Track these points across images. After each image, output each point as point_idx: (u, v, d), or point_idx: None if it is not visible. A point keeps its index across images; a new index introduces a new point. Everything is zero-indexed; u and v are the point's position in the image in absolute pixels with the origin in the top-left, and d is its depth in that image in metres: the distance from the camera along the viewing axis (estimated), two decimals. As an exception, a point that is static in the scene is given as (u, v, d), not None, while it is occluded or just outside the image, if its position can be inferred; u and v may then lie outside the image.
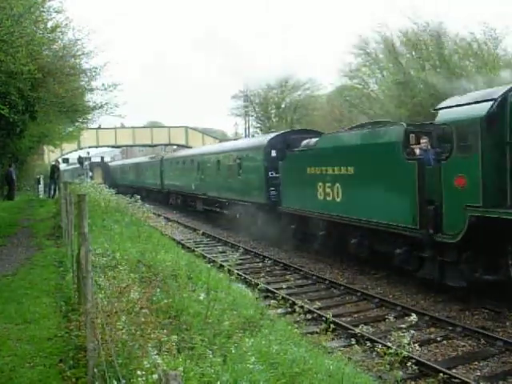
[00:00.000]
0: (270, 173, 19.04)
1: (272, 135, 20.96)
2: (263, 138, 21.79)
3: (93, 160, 56.55)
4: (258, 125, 54.68)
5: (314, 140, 16.61)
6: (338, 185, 14.25)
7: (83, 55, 21.05)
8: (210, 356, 4.62)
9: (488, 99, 9.67)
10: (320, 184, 15.12)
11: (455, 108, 10.45)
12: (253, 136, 46.46)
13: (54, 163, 29.61)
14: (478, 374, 7.72)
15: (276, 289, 11.65)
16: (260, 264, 15.89)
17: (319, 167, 15.21)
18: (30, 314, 6.79)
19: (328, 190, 14.71)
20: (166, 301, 6.11)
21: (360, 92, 38.76)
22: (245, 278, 13.20)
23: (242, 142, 25.05)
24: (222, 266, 11.40)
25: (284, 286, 10.08)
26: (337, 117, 35.90)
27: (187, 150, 41.97)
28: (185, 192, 31.56)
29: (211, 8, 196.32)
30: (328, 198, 14.72)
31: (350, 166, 13.77)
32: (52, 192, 27.90)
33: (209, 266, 10.53)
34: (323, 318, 9.52)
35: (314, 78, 52.01)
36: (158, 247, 10.55)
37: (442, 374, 6.87)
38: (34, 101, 19.86)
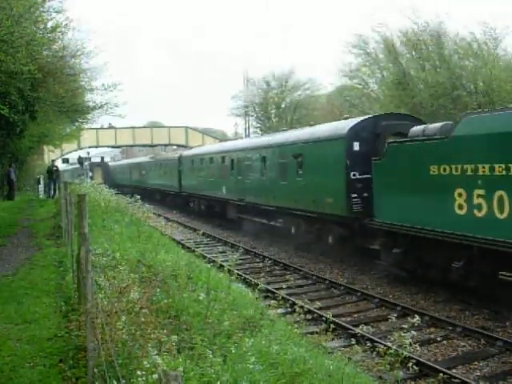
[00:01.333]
0: (351, 173, 14.16)
1: (354, 121, 15.31)
2: (340, 126, 15.78)
3: (93, 160, 56.57)
4: (258, 125, 54.69)
5: (437, 126, 11.85)
6: (500, 193, 9.42)
7: (83, 55, 21.09)
8: (210, 356, 4.61)
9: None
10: (460, 191, 10.26)
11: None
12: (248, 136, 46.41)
13: (50, 164, 29.37)
14: (478, 374, 7.72)
15: (276, 289, 11.65)
16: (260, 264, 15.89)
17: (458, 166, 10.30)
18: (29, 314, 6.79)
19: (479, 201, 9.84)
20: (166, 301, 6.11)
21: (360, 92, 38.75)
22: (245, 278, 13.20)
23: (304, 132, 18.23)
24: (221, 266, 11.41)
25: (284, 286, 10.08)
26: (337, 117, 35.83)
27: (214, 144, 36.27)
28: (211, 196, 26.49)
29: (212, 8, 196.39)
30: (479, 213, 9.82)
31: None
32: (52, 192, 27.88)
33: (209, 266, 10.54)
34: (323, 318, 9.53)
35: (314, 78, 52.14)
36: (158, 247, 10.55)
37: (441, 374, 6.86)
38: (33, 101, 19.87)
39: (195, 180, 29.59)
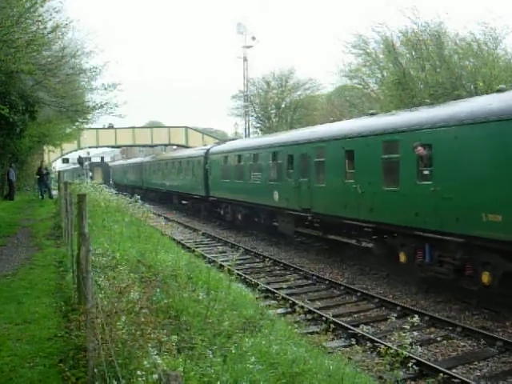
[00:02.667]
0: None
1: None
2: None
3: (93, 160, 56.57)
4: (258, 125, 54.69)
5: None
6: None
7: (83, 55, 21.12)
8: (210, 356, 4.62)
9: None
10: None
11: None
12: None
13: (39, 166, 28.91)
14: (478, 374, 7.72)
15: (276, 289, 11.65)
16: (260, 264, 15.89)
17: None
18: (29, 314, 6.78)
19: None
20: (166, 301, 6.11)
21: (360, 92, 38.73)
22: (245, 278, 13.20)
23: (434, 113, 11.87)
24: (222, 266, 11.42)
25: (284, 286, 10.09)
26: (337, 117, 35.86)
27: (257, 137, 29.94)
28: (252, 203, 20.92)
29: (210, 7, 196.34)
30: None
31: None
32: (42, 194, 27.57)
33: (209, 266, 10.54)
34: (323, 318, 9.53)
35: (314, 78, 52.07)
36: (158, 247, 10.54)
37: (441, 374, 6.87)
38: (33, 101, 19.90)
39: (229, 182, 23.41)
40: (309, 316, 9.98)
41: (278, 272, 14.97)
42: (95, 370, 4.09)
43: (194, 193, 29.11)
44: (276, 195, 18.42)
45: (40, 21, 14.26)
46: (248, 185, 21.40)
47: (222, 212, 25.43)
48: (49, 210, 20.21)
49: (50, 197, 27.33)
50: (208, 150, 28.06)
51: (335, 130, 15.85)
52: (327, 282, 13.29)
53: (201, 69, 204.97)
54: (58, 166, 58.29)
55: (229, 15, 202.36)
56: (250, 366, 4.55)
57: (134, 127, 56.86)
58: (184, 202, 33.40)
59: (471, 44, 27.25)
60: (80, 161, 42.90)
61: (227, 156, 24.56)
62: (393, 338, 8.10)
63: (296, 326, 7.72)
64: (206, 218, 28.35)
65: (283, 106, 53.16)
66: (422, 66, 28.55)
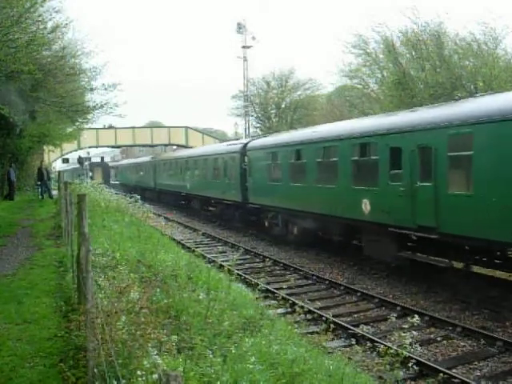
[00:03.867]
0: None
1: None
2: None
3: (93, 160, 56.54)
4: (258, 125, 54.69)
5: None
6: None
7: (83, 55, 21.14)
8: (210, 356, 4.62)
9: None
10: None
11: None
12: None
13: (40, 166, 28.89)
14: (478, 374, 7.72)
15: (276, 289, 11.65)
16: (260, 264, 15.89)
17: None
18: (29, 314, 6.78)
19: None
20: (166, 301, 6.11)
21: (360, 92, 38.72)
22: (245, 278, 13.20)
23: None
24: (222, 266, 11.42)
25: (284, 286, 10.08)
26: (337, 117, 35.86)
27: (324, 125, 20.31)
28: (319, 214, 15.97)
29: (210, 7, 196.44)
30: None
31: None
32: (42, 194, 27.57)
33: (209, 266, 10.54)
34: (323, 318, 9.53)
35: (313, 78, 52.09)
36: (158, 247, 10.54)
37: (441, 374, 6.87)
38: (33, 101, 19.91)
39: (281, 185, 18.50)
40: (309, 316, 9.98)
41: (278, 272, 14.97)
42: (95, 370, 4.09)
43: (226, 197, 23.99)
44: (366, 205, 13.46)
45: (40, 21, 14.27)
46: (313, 190, 16.18)
47: (265, 223, 20.17)
48: (49, 210, 20.20)
49: (50, 197, 27.32)
50: (246, 144, 22.59)
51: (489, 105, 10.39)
52: (327, 282, 13.29)
53: (201, 69, 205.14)
54: (58, 166, 58.29)
55: (229, 15, 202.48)
56: (250, 366, 4.55)
57: (134, 127, 56.88)
58: (210, 208, 28.07)
59: (471, 44, 27.25)
60: (80, 161, 42.86)
61: (277, 152, 19.02)
62: (393, 338, 8.11)
63: (296, 325, 7.71)
64: (241, 229, 23.26)
65: (283, 106, 53.17)
66: (422, 66, 28.55)
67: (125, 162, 59.66)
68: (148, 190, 43.38)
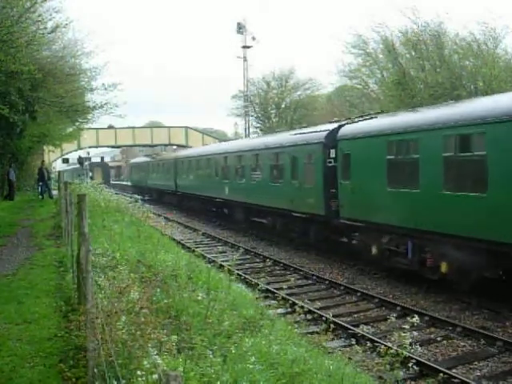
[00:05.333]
0: None
1: None
2: None
3: (93, 160, 56.52)
4: (258, 125, 54.69)
5: None
6: None
7: (83, 55, 21.16)
8: (210, 356, 4.61)
9: None
10: None
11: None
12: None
13: (40, 166, 28.87)
14: (478, 374, 7.72)
15: (276, 289, 11.65)
16: (260, 264, 15.89)
17: None
18: (29, 314, 6.78)
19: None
20: (166, 301, 6.11)
21: (360, 92, 38.75)
22: (245, 278, 13.20)
23: None
24: (222, 266, 11.42)
25: (284, 286, 10.08)
26: (337, 117, 35.88)
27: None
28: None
29: (210, 7, 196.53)
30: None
31: None
32: (42, 194, 27.58)
33: (209, 266, 10.54)
34: (323, 318, 9.53)
35: (314, 78, 52.09)
36: (158, 247, 10.54)
37: (441, 374, 6.87)
38: (33, 101, 19.93)
39: (424, 194, 11.58)
40: (309, 316, 9.98)
41: (278, 272, 14.97)
42: (95, 370, 4.09)
43: (296, 208, 17.24)
44: None
45: (40, 21, 14.28)
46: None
47: (372, 249, 13.51)
48: (49, 210, 20.21)
49: (50, 197, 27.32)
50: (335, 130, 15.40)
51: None
52: (327, 282, 13.29)
53: (201, 69, 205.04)
54: (58, 166, 58.30)
55: (229, 15, 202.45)
56: (250, 366, 4.54)
57: (134, 127, 56.89)
58: (261, 219, 21.54)
59: (471, 44, 27.27)
60: (80, 161, 42.86)
61: (420, 139, 11.68)
62: (393, 338, 8.09)
63: (296, 325, 7.71)
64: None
65: (283, 106, 53.19)
66: (422, 66, 28.58)
67: (138, 160, 51.93)
68: (167, 194, 37.37)
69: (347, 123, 15.77)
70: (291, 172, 17.94)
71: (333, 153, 15.37)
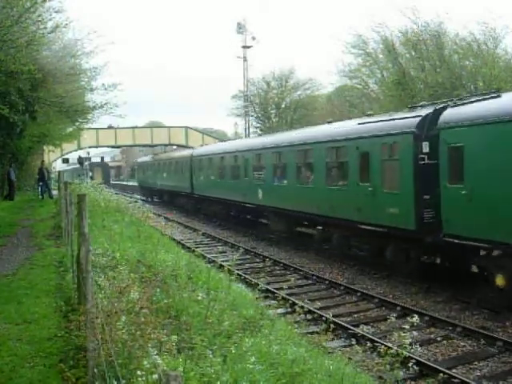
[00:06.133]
0: None
1: None
2: None
3: (93, 160, 56.54)
4: (258, 125, 54.69)
5: None
6: None
7: (83, 55, 21.16)
8: (210, 356, 4.61)
9: None
10: None
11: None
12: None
13: (40, 166, 28.86)
14: (478, 374, 7.72)
15: (276, 289, 11.65)
16: (260, 264, 15.89)
17: None
18: (29, 314, 6.78)
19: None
20: (166, 301, 6.11)
21: (360, 92, 38.74)
22: (245, 278, 13.20)
23: None
24: (222, 266, 11.42)
25: (284, 286, 10.09)
26: (337, 117, 35.90)
27: None
28: None
29: (211, 7, 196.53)
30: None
31: None
32: (42, 194, 27.59)
33: (209, 266, 10.54)
34: (323, 318, 9.53)
35: (314, 78, 52.12)
36: (158, 247, 10.54)
37: (441, 374, 6.87)
38: (33, 101, 19.94)
39: None
40: (309, 316, 9.98)
41: (278, 272, 14.97)
42: (95, 370, 4.09)
43: (364, 220, 13.53)
44: None
45: (40, 21, 14.27)
46: None
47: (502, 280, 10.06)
48: (49, 210, 20.20)
49: (50, 197, 27.33)
50: (433, 115, 11.82)
51: None
52: (327, 282, 13.29)
53: (201, 69, 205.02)
54: (58, 166, 58.31)
55: (229, 15, 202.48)
56: (250, 366, 4.54)
57: (133, 127, 56.89)
58: (309, 231, 18.56)
59: (471, 44, 27.26)
60: (80, 161, 42.88)
61: None
62: (393, 338, 8.09)
63: (296, 325, 7.72)
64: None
65: (283, 106, 53.19)
66: (422, 66, 28.57)
67: (147, 158, 47.72)
68: (180, 196, 33.23)
69: (449, 105, 11.76)
70: (359, 172, 13.89)
71: (425, 146, 11.71)
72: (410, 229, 11.96)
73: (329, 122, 18.08)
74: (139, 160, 53.92)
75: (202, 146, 34.86)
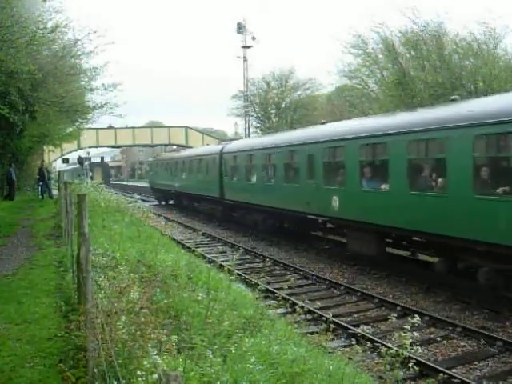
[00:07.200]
0: None
1: None
2: None
3: (93, 160, 56.54)
4: (258, 125, 54.67)
5: None
6: None
7: (83, 55, 21.15)
8: (210, 356, 4.61)
9: None
10: None
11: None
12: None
13: (40, 166, 28.86)
14: (478, 374, 7.72)
15: (276, 289, 11.65)
16: (260, 264, 15.88)
17: None
18: (29, 314, 6.78)
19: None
20: (166, 301, 6.11)
21: (360, 92, 38.70)
22: (245, 278, 13.20)
23: None
24: (222, 266, 11.42)
25: (284, 286, 10.09)
26: (337, 117, 35.87)
27: None
28: None
29: (211, 7, 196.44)
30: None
31: None
32: (42, 194, 27.59)
33: (209, 266, 10.54)
34: (323, 318, 9.53)
35: (313, 78, 52.09)
36: (158, 247, 10.54)
37: (442, 374, 6.87)
38: (34, 101, 19.92)
39: None
40: (309, 316, 9.98)
41: (278, 272, 14.96)
42: (95, 370, 4.09)
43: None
44: None
45: (40, 21, 14.27)
46: None
47: None
48: (49, 210, 20.20)
49: (50, 197, 27.33)
50: None
51: None
52: (327, 282, 13.28)
53: (201, 69, 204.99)
54: (58, 166, 58.32)
55: (229, 15, 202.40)
56: (250, 366, 4.54)
57: (134, 127, 56.89)
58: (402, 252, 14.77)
59: (471, 44, 27.23)
60: (80, 161, 42.85)
61: None
62: (393, 338, 8.10)
63: (296, 325, 7.72)
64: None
65: (283, 106, 53.16)
66: (422, 66, 28.54)
67: (162, 157, 42.37)
68: (205, 201, 28.06)
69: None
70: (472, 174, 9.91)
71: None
72: None
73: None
74: (150, 158, 48.87)
75: (231, 141, 28.63)
